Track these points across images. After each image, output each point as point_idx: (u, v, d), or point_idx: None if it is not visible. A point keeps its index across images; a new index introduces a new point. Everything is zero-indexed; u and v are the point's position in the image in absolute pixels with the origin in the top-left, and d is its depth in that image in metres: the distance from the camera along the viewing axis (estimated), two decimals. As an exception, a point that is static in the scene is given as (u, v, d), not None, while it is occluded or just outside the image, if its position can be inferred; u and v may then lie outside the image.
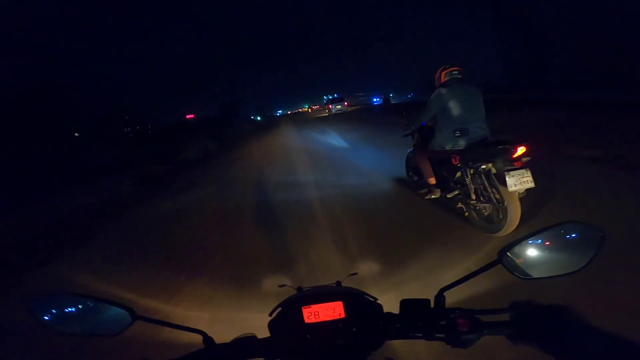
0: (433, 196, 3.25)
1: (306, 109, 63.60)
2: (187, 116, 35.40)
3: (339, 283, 0.97)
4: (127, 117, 32.38)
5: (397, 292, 2.07)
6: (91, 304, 0.62)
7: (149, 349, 1.66)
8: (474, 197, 2.76)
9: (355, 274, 1.07)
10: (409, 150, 3.97)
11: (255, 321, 0.83)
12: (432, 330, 0.62)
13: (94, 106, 27.55)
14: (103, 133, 24.47)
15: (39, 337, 1.79)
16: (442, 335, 0.61)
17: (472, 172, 2.73)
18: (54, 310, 0.60)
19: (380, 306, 0.68)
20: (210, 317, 2.17)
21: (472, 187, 2.75)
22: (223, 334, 0.70)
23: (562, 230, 0.61)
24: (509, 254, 0.60)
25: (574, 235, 0.61)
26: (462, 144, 2.84)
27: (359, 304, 0.68)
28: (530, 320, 0.56)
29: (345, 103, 32.53)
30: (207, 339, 0.65)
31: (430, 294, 0.67)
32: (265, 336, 0.68)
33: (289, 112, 78.35)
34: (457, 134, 2.85)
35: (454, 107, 2.86)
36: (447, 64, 3.10)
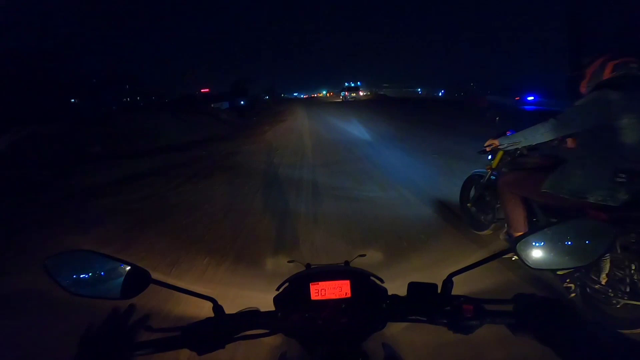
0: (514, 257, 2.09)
1: (322, 95, 66.59)
2: (202, 90, 36.33)
3: (347, 263, 0.99)
4: (127, 87, 31.71)
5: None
6: (107, 264, 0.62)
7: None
8: (611, 290, 1.68)
9: (364, 255, 1.08)
10: (474, 172, 2.94)
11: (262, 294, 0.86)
12: (436, 314, 0.63)
13: (93, 74, 26.80)
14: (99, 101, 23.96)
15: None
16: (444, 321, 0.62)
17: (631, 243, 1.64)
18: (69, 270, 0.61)
19: (385, 289, 0.70)
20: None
21: (617, 271, 1.68)
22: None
23: (576, 225, 0.63)
24: (522, 244, 0.61)
25: (586, 231, 0.62)
26: (622, 196, 1.68)
27: (366, 285, 0.69)
28: (532, 312, 0.57)
29: (361, 92, 38.22)
30: (217, 307, 0.66)
31: None
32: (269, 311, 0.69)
33: (303, 97, 75.24)
34: (620, 178, 1.66)
35: (629, 128, 1.65)
36: (608, 52, 1.82)
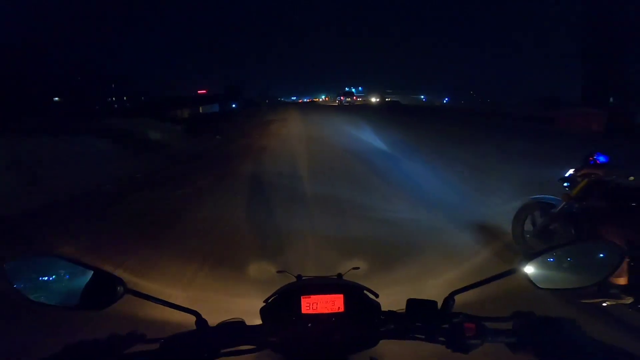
0: (608, 302, 1.86)
1: (320, 100, 68.95)
2: (199, 91, 36.39)
3: (340, 276, 0.96)
4: (113, 86, 31.14)
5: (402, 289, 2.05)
6: (77, 272, 0.57)
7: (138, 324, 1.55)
8: None
9: (358, 268, 1.05)
10: (532, 198, 2.66)
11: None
12: (435, 332, 0.61)
13: (78, 71, 26.12)
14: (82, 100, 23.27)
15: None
16: (443, 339, 0.60)
17: None
18: (33, 275, 0.55)
19: (378, 304, 0.67)
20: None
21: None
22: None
23: (589, 246, 0.63)
24: (529, 264, 0.60)
25: (597, 251, 0.61)
26: None
27: (359, 300, 0.67)
28: (533, 331, 0.56)
29: (354, 97, 43.17)
30: (201, 320, 0.61)
31: None
32: (255, 323, 0.65)
33: (298, 101, 74.49)
34: None
35: None
36: None
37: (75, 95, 23.74)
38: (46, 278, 0.55)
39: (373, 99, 45.78)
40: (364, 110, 28.26)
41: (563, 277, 0.60)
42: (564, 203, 2.29)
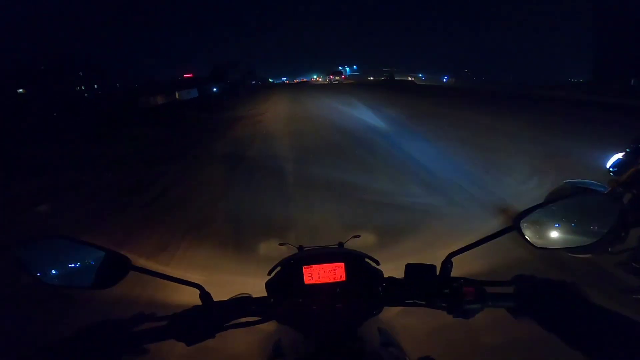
0: None
1: (312, 80, 70.91)
2: (185, 75, 36.03)
3: (340, 244, 0.96)
4: (81, 74, 29.25)
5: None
6: (82, 252, 0.57)
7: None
8: None
9: (358, 236, 1.05)
10: (566, 182, 2.46)
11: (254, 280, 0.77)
12: (435, 298, 0.61)
13: (42, 60, 24.15)
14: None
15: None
16: (444, 305, 0.60)
17: None
18: (41, 258, 0.55)
19: (381, 272, 0.68)
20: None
21: None
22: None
23: (580, 200, 0.61)
24: (524, 221, 0.57)
25: (591, 206, 0.60)
26: None
27: (361, 268, 0.67)
28: (535, 295, 0.55)
29: (343, 77, 46.91)
30: (205, 294, 0.62)
31: None
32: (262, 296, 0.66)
33: (286, 82, 73.82)
34: None
35: None
36: None
37: (40, 86, 22.20)
38: (55, 261, 0.55)
39: (343, 77, 50.16)
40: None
41: (561, 236, 0.58)
42: (609, 189, 2.15)
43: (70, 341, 0.52)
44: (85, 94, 27.42)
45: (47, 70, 25.08)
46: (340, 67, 49.48)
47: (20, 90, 21.20)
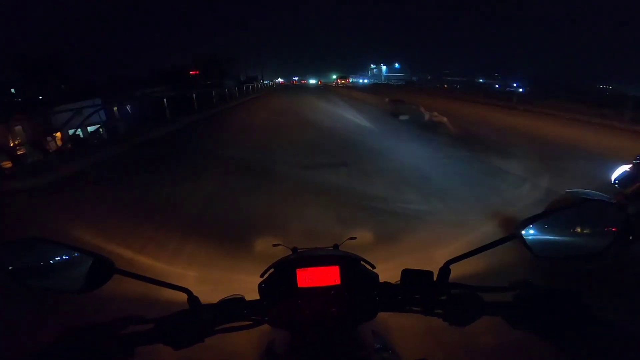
0: None
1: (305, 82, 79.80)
2: (191, 72, 38.84)
3: (336, 246, 0.95)
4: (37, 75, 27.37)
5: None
6: (65, 254, 0.55)
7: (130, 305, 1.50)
8: None
9: (354, 238, 1.04)
10: (568, 192, 2.33)
11: (246, 283, 0.77)
12: (431, 304, 0.60)
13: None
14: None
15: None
16: (440, 312, 0.59)
17: None
18: (23, 260, 0.53)
19: (376, 275, 0.66)
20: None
21: None
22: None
23: (583, 209, 0.59)
24: (525, 230, 0.56)
25: (594, 215, 0.58)
26: None
27: (356, 271, 0.66)
28: (534, 303, 0.54)
29: (347, 80, 56.51)
30: (192, 298, 0.60)
31: None
32: (254, 299, 0.65)
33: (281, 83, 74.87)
34: None
35: None
36: None
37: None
38: (37, 262, 0.54)
39: (349, 80, 58.78)
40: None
41: (564, 245, 0.56)
42: (614, 202, 2.08)
43: (53, 345, 0.50)
44: (40, 97, 23.58)
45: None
46: (334, 75, 57.15)
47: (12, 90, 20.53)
